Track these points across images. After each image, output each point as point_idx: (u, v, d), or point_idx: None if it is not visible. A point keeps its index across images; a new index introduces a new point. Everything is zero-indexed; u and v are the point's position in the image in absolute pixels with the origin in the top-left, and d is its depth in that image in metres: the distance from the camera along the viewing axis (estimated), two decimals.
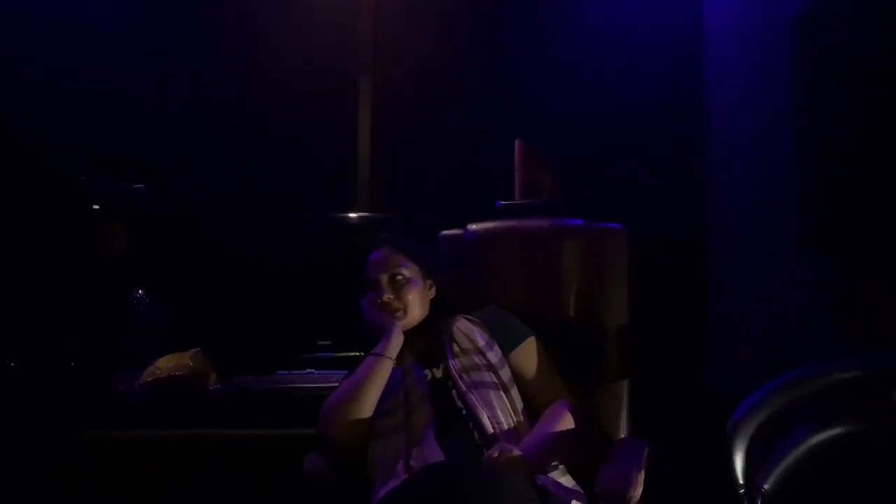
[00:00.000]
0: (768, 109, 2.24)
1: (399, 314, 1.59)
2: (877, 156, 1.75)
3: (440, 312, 1.65)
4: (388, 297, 1.59)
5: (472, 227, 1.92)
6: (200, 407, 1.91)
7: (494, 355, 1.58)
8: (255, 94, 2.61)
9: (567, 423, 1.50)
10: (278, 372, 2.23)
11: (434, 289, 1.68)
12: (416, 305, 1.61)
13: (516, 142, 2.44)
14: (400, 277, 1.61)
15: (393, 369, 1.60)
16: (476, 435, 1.45)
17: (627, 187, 2.60)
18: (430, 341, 1.63)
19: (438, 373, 1.57)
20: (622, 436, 1.66)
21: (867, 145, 1.78)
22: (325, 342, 2.40)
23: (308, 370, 2.24)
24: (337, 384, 1.86)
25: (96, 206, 2.15)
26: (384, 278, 1.61)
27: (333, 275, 2.45)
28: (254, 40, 2.61)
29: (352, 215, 2.60)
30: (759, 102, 2.30)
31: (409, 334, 1.64)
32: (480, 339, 1.60)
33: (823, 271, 1.93)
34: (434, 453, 1.38)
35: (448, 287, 1.71)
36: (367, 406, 1.48)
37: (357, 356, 2.30)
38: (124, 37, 2.53)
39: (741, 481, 1.39)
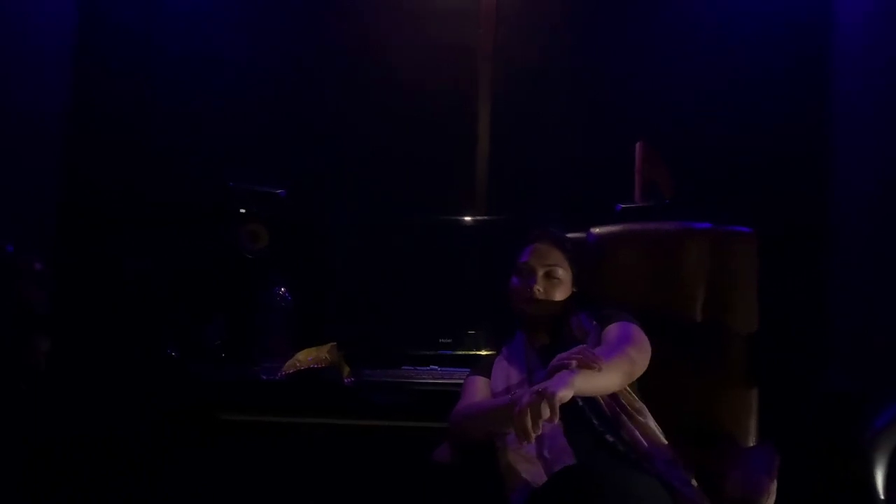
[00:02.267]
0: None
1: (538, 306, 1.67)
2: None
3: (570, 311, 1.70)
4: (538, 289, 1.67)
5: (596, 230, 1.94)
6: (335, 397, 2.04)
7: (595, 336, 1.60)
8: (378, 105, 2.73)
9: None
10: (403, 367, 2.32)
11: (575, 291, 1.73)
12: (558, 298, 1.69)
13: (637, 144, 2.42)
14: (555, 277, 1.69)
15: (517, 368, 1.66)
16: (595, 422, 1.48)
17: (748, 187, 2.53)
18: (553, 336, 1.70)
19: None
20: (751, 442, 1.64)
21: None
22: (447, 340, 2.47)
23: (431, 367, 2.32)
24: (461, 381, 1.95)
25: (242, 210, 2.33)
26: (541, 270, 1.70)
27: (454, 276, 2.54)
28: (376, 52, 2.74)
29: (470, 218, 2.66)
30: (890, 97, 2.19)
31: (535, 327, 1.71)
32: (587, 326, 1.64)
33: None
34: (564, 453, 1.42)
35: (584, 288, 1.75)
36: (489, 431, 1.52)
37: (475, 355, 2.40)
38: (257, 56, 2.71)
39: (882, 496, 1.35)
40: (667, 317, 1.77)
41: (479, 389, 1.68)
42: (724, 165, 2.54)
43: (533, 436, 1.21)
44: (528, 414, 1.21)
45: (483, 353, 2.42)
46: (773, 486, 1.28)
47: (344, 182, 2.68)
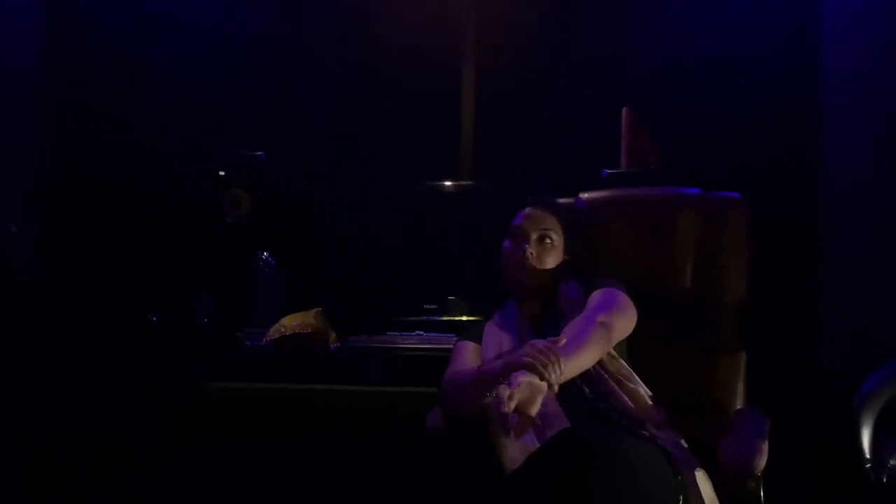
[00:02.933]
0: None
1: (531, 271, 1.65)
2: None
3: (561, 279, 1.69)
4: (531, 251, 1.66)
5: (584, 195, 1.93)
6: (322, 363, 2.02)
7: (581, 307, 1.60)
8: (363, 69, 2.68)
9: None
10: (388, 333, 2.31)
11: (566, 259, 1.72)
12: (550, 264, 1.68)
13: (623, 110, 2.41)
14: (548, 241, 1.68)
15: (509, 335, 1.66)
16: (586, 389, 1.49)
17: (737, 156, 2.53)
18: (545, 305, 1.69)
19: None
20: (738, 407, 1.66)
21: None
22: (432, 306, 2.46)
23: (417, 332, 2.31)
24: (448, 346, 1.94)
25: (222, 173, 2.27)
26: (534, 234, 1.68)
27: (440, 242, 2.53)
28: (362, 16, 2.67)
29: (455, 184, 2.64)
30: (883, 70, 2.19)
31: (527, 296, 1.70)
32: (575, 296, 1.64)
33: None
34: (557, 418, 1.42)
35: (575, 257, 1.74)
36: (483, 398, 1.50)
37: (460, 320, 2.40)
38: (239, 18, 2.63)
39: (868, 456, 1.39)
40: (656, 284, 1.78)
41: (468, 356, 1.67)
42: (712, 134, 2.53)
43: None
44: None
45: (467, 318, 2.43)
46: (766, 447, 1.29)
47: (328, 147, 2.63)
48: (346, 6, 2.68)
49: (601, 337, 1.46)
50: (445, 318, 2.44)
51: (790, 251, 2.40)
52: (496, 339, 1.67)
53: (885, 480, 1.38)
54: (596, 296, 1.59)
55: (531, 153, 2.69)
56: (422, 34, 2.66)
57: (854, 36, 2.33)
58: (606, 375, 1.50)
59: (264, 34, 2.66)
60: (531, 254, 1.67)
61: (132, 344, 2.07)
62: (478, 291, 2.47)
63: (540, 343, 1.32)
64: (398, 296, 2.47)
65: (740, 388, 1.69)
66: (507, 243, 1.73)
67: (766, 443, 1.30)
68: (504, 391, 1.24)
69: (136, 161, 2.54)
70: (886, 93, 2.14)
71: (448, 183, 2.59)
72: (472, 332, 1.74)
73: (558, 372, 1.29)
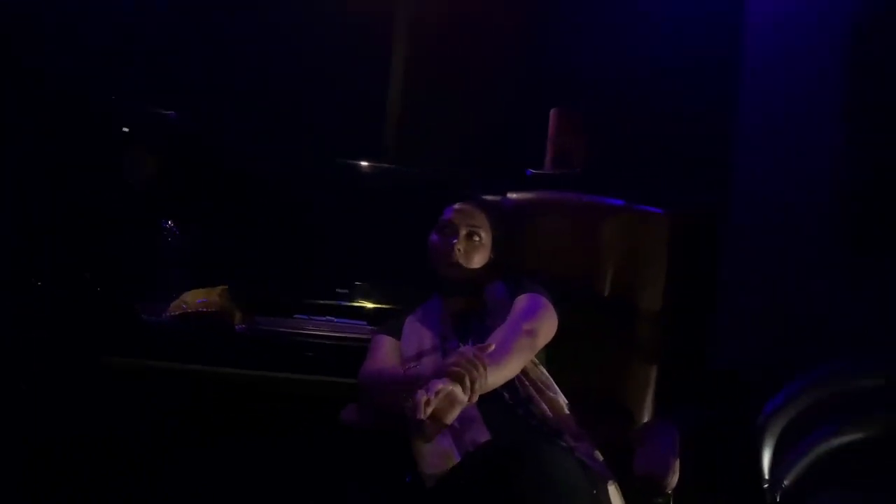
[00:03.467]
0: (807, 101, 2.23)
1: (457, 267, 1.63)
2: None
3: (487, 278, 1.67)
4: (459, 247, 1.63)
5: (513, 195, 1.92)
6: (225, 344, 1.91)
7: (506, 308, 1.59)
8: (288, 36, 2.53)
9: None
10: (296, 316, 2.22)
11: (492, 258, 1.70)
12: (476, 262, 1.66)
13: (552, 110, 2.40)
14: (477, 238, 1.66)
15: (431, 332, 1.62)
16: (506, 394, 1.47)
17: (658, 164, 2.57)
18: (468, 303, 1.66)
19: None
20: (646, 417, 1.70)
21: None
22: (343, 290, 2.39)
23: (327, 317, 2.23)
24: (359, 336, 1.88)
25: (126, 129, 2.08)
26: (463, 230, 1.66)
27: (356, 225, 2.45)
28: None
29: (376, 165, 2.56)
30: (798, 92, 2.29)
31: (451, 291, 1.67)
32: (500, 296, 1.63)
33: (854, 269, 1.94)
34: (475, 423, 1.40)
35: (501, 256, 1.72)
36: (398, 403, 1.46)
37: (373, 308, 2.34)
38: None
39: (766, 476, 1.45)
40: (577, 288, 1.79)
41: (387, 352, 1.62)
42: (637, 139, 2.56)
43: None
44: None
45: (379, 305, 2.37)
46: (677, 464, 1.32)
47: (244, 114, 2.47)
48: None
49: (526, 345, 1.46)
50: (357, 304, 2.37)
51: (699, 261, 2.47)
52: (416, 335, 1.63)
53: (778, 499, 1.44)
54: (521, 301, 1.58)
55: (457, 142, 2.64)
56: (355, 4, 2.54)
57: (773, 51, 2.41)
58: (527, 382, 1.50)
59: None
60: (458, 250, 1.64)
61: (18, 313, 1.87)
62: (392, 278, 2.42)
63: (469, 351, 1.29)
64: (309, 277, 2.38)
65: (650, 396, 1.72)
66: (434, 236, 1.69)
67: (678, 460, 1.33)
68: (422, 397, 1.20)
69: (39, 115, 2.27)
70: (799, 117, 2.23)
71: (369, 163, 2.51)
72: (391, 326, 1.68)
73: (482, 384, 1.27)
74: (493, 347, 1.34)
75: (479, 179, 2.46)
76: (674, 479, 1.30)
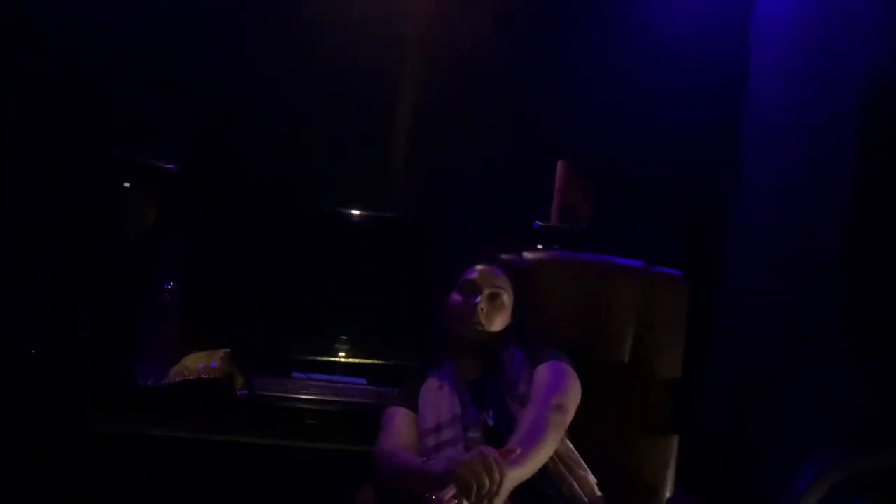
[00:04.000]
0: (808, 168, 2.23)
1: (479, 329, 1.59)
2: None
3: (504, 343, 1.61)
4: (482, 307, 1.58)
5: (529, 255, 1.87)
6: (227, 411, 1.82)
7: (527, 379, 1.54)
8: (291, 86, 2.46)
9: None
10: (294, 374, 2.14)
11: (511, 322, 1.66)
12: (497, 326, 1.62)
13: (559, 163, 2.38)
14: (500, 301, 1.63)
15: (448, 402, 1.55)
16: (537, 474, 1.40)
17: (661, 221, 2.55)
18: (485, 368, 1.60)
19: (490, 418, 1.52)
20: (668, 492, 1.65)
21: None
22: (343, 346, 2.31)
23: (326, 375, 2.16)
24: (364, 401, 1.81)
25: (127, 185, 1.99)
26: (486, 290, 1.62)
27: (357, 279, 2.38)
28: (298, 30, 2.46)
29: (376, 214, 2.50)
30: (801, 159, 2.29)
31: (468, 355, 1.61)
32: (519, 365, 1.57)
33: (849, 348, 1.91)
34: None
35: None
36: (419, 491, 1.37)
37: (373, 364, 2.26)
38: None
39: None
40: (594, 355, 1.74)
41: (403, 427, 1.53)
42: (639, 196, 2.54)
43: None
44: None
45: (378, 361, 2.30)
46: None
47: (244, 166, 2.39)
48: (284, 21, 2.45)
49: (558, 422, 1.41)
50: (355, 360, 2.30)
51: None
52: (434, 406, 1.56)
53: None
54: (544, 372, 1.52)
55: (462, 194, 2.58)
56: (361, 56, 2.49)
57: (774, 114, 2.42)
58: (556, 458, 1.43)
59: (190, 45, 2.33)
60: (481, 309, 1.59)
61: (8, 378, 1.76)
62: (393, 333, 2.35)
63: (490, 455, 1.24)
64: (307, 333, 2.29)
65: (671, 470, 1.68)
66: (455, 296, 1.64)
67: None
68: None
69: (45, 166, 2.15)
70: (801, 186, 2.23)
71: (369, 213, 2.45)
72: (405, 397, 1.61)
73: (498, 490, 1.23)
74: (518, 452, 1.30)
75: (484, 232, 2.44)
76: None
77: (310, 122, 2.45)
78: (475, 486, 1.21)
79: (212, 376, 1.79)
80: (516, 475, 1.29)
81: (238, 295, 2.17)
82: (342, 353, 2.30)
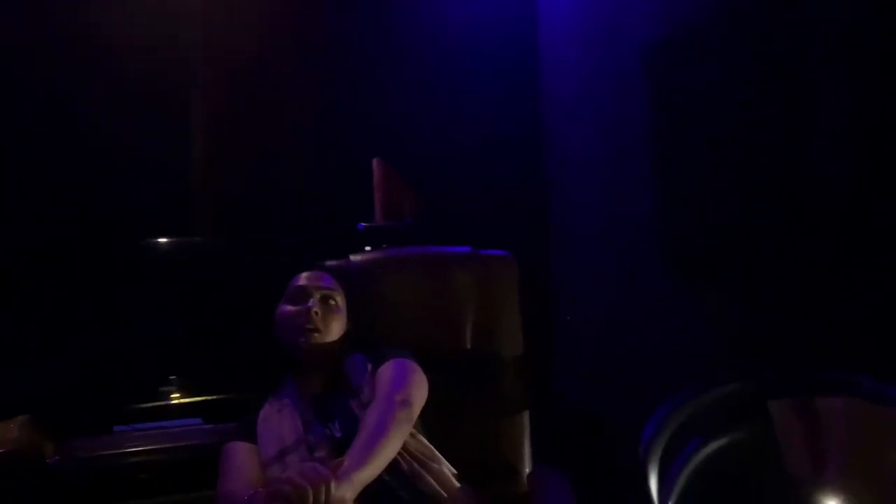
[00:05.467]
0: (614, 134, 2.37)
1: (316, 335, 1.49)
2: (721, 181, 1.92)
3: (341, 351, 1.53)
4: (316, 311, 1.50)
5: (356, 257, 1.80)
6: (38, 486, 1.57)
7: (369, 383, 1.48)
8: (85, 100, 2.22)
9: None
10: (115, 428, 1.91)
11: (349, 328, 1.58)
12: (335, 332, 1.53)
13: (374, 161, 2.34)
14: (332, 302, 1.55)
15: (290, 423, 1.45)
16: (387, 477, 1.34)
17: (479, 207, 2.59)
18: (327, 382, 1.52)
19: (337, 430, 1.43)
20: (528, 467, 1.65)
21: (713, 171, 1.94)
22: (167, 388, 2.12)
23: (154, 423, 1.95)
24: (203, 443, 1.66)
25: None
26: (317, 294, 1.54)
27: (169, 310, 2.19)
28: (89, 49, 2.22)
29: (183, 240, 2.32)
30: (603, 127, 2.43)
31: (308, 368, 1.52)
32: (361, 370, 1.51)
33: (670, 287, 2.06)
34: None
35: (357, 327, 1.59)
36: None
37: (207, 400, 2.09)
38: None
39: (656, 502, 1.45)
40: (436, 347, 1.70)
41: (243, 461, 1.40)
42: (458, 184, 2.56)
43: None
44: None
45: (211, 396, 2.13)
46: None
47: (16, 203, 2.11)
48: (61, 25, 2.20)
49: (404, 417, 1.36)
50: (186, 400, 2.11)
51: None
52: (274, 432, 1.44)
53: None
54: (387, 371, 1.47)
55: (273, 207, 2.46)
56: (146, 65, 2.29)
57: (571, 98, 2.55)
58: (409, 457, 1.38)
59: None
60: (315, 313, 1.50)
61: None
62: (220, 364, 2.19)
63: (309, 470, 1.17)
64: (126, 379, 2.07)
65: (527, 446, 1.68)
66: (285, 307, 1.54)
67: None
68: None
69: None
70: (609, 148, 2.36)
71: (173, 240, 2.26)
72: (242, 429, 1.47)
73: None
74: (346, 464, 1.23)
75: (304, 240, 2.34)
76: None
77: (99, 146, 2.22)
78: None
79: (9, 448, 1.53)
80: (360, 478, 1.22)
81: (34, 351, 1.90)
82: (174, 395, 2.10)
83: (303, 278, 1.57)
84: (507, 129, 2.63)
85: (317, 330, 1.49)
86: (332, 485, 1.16)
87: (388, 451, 1.30)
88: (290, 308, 1.53)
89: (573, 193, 2.53)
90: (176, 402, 2.10)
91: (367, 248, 2.18)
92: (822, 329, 1.58)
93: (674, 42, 1.98)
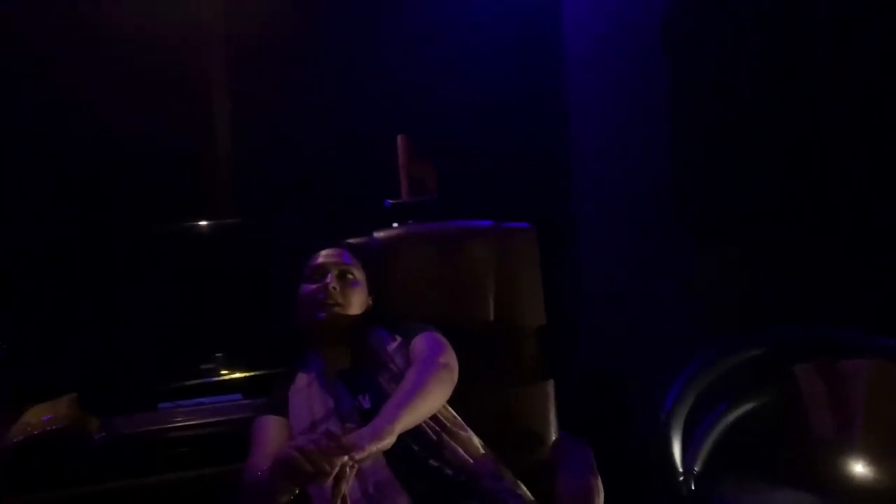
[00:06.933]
0: (634, 101, 2.35)
1: (336, 309, 1.54)
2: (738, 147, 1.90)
3: (367, 327, 1.57)
4: (333, 286, 1.54)
5: (379, 234, 1.84)
6: (86, 461, 1.66)
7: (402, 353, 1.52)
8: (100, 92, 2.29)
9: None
10: (160, 405, 2.00)
11: (371, 304, 1.62)
12: (356, 306, 1.58)
13: (398, 138, 2.36)
14: (350, 276, 1.59)
15: (321, 398, 1.49)
16: (416, 448, 1.38)
17: (502, 180, 2.60)
18: (353, 357, 1.56)
19: (366, 402, 1.47)
20: (553, 434, 1.67)
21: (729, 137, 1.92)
22: (209, 365, 2.19)
23: (196, 400, 2.03)
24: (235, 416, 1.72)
25: None
26: (335, 270, 1.58)
27: (205, 291, 2.26)
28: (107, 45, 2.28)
29: (215, 222, 2.38)
30: (623, 95, 2.41)
31: (332, 344, 1.56)
32: (388, 344, 1.55)
33: (691, 251, 2.05)
34: (390, 486, 1.30)
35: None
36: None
37: (247, 377, 2.16)
38: None
39: (680, 469, 1.47)
40: (460, 320, 1.73)
41: (274, 435, 1.45)
42: (480, 160, 2.57)
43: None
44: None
45: (250, 373, 2.20)
46: (600, 483, 1.30)
47: (55, 185, 2.19)
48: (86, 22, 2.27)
49: (447, 377, 1.41)
50: (225, 378, 2.18)
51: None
52: (306, 405, 1.49)
53: (693, 488, 1.47)
54: (423, 340, 1.51)
55: (302, 186, 2.51)
56: (168, 52, 2.35)
57: (595, 69, 2.53)
58: (438, 427, 1.41)
59: None
60: (334, 288, 1.54)
61: None
62: (257, 341, 2.26)
63: (324, 433, 1.19)
64: (166, 360, 2.15)
65: (552, 414, 1.70)
66: (304, 286, 1.59)
67: (599, 478, 1.31)
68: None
69: None
70: (629, 116, 2.35)
71: (206, 222, 2.32)
72: (273, 404, 1.53)
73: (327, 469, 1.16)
74: (377, 417, 1.26)
75: (331, 218, 2.38)
76: (600, 500, 1.27)
77: (125, 136, 2.29)
78: (308, 466, 1.15)
79: (59, 426, 1.63)
80: (392, 429, 1.24)
81: (77, 333, 1.99)
82: (219, 372, 2.18)
83: (321, 256, 1.61)
84: (529, 102, 2.62)
85: (336, 304, 1.53)
86: (344, 443, 1.18)
87: (427, 406, 1.33)
88: (309, 286, 1.57)
89: (595, 160, 2.52)
90: (219, 379, 2.17)
91: (395, 225, 2.23)
92: (843, 290, 1.56)
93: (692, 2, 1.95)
